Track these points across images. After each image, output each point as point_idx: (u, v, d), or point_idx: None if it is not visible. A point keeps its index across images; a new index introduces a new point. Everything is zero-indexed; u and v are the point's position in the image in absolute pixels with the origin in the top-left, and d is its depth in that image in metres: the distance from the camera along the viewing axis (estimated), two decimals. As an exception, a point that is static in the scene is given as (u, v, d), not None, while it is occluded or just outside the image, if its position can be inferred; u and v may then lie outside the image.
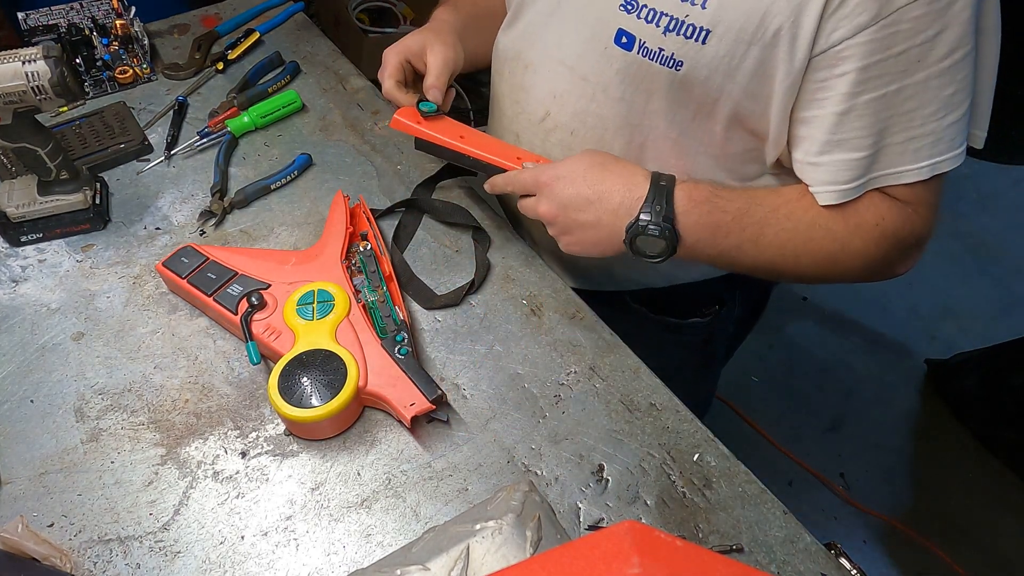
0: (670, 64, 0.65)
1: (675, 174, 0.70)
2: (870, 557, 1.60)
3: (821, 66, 0.61)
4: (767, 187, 0.73)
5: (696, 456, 0.70)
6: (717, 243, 0.68)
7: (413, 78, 0.83)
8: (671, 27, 0.64)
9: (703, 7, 0.62)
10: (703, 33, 0.62)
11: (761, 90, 0.64)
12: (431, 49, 0.79)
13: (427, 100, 0.78)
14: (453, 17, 0.86)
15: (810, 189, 0.67)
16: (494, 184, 0.77)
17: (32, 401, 0.71)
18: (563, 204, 0.70)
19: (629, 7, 0.66)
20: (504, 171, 0.77)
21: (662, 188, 0.67)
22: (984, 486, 1.73)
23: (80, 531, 0.63)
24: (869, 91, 0.60)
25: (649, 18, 0.65)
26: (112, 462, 0.67)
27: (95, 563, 0.61)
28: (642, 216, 0.67)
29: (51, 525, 0.63)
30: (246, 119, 0.97)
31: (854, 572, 0.64)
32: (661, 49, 0.65)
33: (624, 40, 0.67)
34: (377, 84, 0.87)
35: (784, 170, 0.72)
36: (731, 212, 0.67)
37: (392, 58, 0.81)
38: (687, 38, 0.63)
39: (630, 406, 0.74)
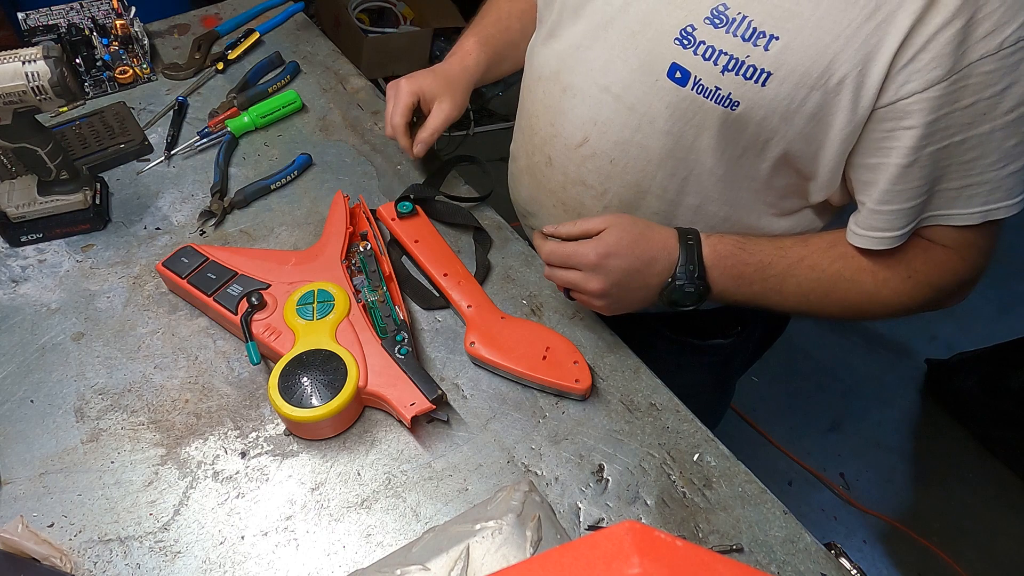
0: (726, 103, 0.63)
1: (715, 207, 0.72)
2: (870, 557, 1.60)
3: (888, 117, 0.59)
4: (799, 236, 0.72)
5: (696, 456, 0.70)
6: (742, 291, 0.71)
7: (416, 115, 0.87)
8: (730, 66, 0.61)
9: (765, 49, 0.59)
10: (763, 75, 0.60)
11: (816, 134, 0.63)
12: (439, 103, 0.85)
13: (407, 200, 0.85)
14: (476, 61, 0.88)
15: (861, 233, 0.66)
16: (545, 252, 0.74)
17: (32, 401, 0.71)
18: (616, 282, 0.69)
19: (686, 42, 0.63)
20: (436, 287, 0.81)
21: (691, 247, 0.69)
22: (984, 486, 1.73)
23: (80, 531, 0.63)
24: (934, 144, 0.59)
25: (707, 55, 0.62)
26: (112, 462, 0.67)
27: (95, 563, 0.61)
28: (678, 276, 0.69)
29: (51, 525, 0.63)
30: (246, 119, 0.97)
31: (854, 572, 0.64)
32: (718, 88, 0.63)
33: (678, 75, 0.65)
34: (377, 84, 0.87)
35: (825, 206, 0.72)
36: (753, 264, 0.69)
37: (405, 97, 0.84)
38: (746, 79, 0.61)
39: (630, 406, 0.74)
